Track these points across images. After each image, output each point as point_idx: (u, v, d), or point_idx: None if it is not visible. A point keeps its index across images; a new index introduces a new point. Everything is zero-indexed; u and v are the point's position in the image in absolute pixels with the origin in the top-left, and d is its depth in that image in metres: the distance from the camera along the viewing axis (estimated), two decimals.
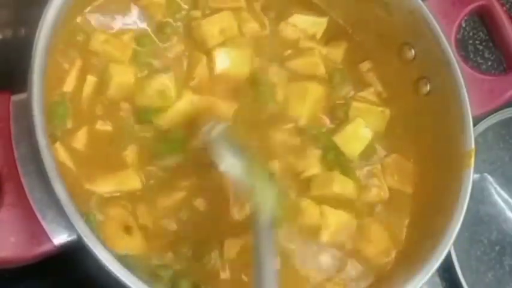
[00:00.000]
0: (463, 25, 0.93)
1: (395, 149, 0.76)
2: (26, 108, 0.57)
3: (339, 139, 0.73)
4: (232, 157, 0.64)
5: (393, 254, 0.72)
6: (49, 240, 0.56)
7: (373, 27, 0.78)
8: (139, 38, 0.71)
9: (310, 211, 0.69)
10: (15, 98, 0.60)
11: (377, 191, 0.74)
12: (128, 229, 0.63)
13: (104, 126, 0.67)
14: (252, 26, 0.75)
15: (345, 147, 0.73)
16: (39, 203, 0.56)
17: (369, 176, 0.74)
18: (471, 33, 0.95)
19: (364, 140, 0.74)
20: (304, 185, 0.71)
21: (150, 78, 0.69)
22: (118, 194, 0.65)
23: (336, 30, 0.79)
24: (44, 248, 0.56)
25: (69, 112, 0.66)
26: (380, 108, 0.76)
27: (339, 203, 0.71)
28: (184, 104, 0.69)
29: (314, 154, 0.72)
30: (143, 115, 0.68)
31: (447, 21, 0.75)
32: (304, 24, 0.78)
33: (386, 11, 0.76)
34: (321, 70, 0.76)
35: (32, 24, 0.60)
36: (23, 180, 0.57)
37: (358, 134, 0.74)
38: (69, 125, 0.65)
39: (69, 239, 0.56)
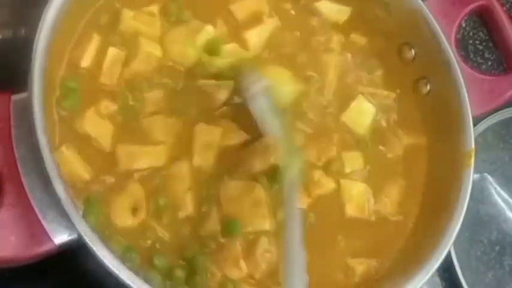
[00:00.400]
0: (463, 25, 0.93)
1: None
2: (26, 108, 0.57)
3: (345, 117, 0.74)
4: (272, 115, 0.65)
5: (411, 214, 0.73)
6: (49, 239, 0.56)
7: (373, 27, 0.78)
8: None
9: (324, 181, 0.70)
10: (15, 98, 0.60)
11: (391, 151, 0.75)
12: (134, 210, 0.64)
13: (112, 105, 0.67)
14: (284, 7, 0.76)
15: (353, 124, 0.74)
16: (40, 203, 0.56)
17: (379, 139, 0.75)
18: (471, 33, 0.95)
19: (369, 113, 0.74)
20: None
21: (196, 32, 0.70)
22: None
23: (359, 20, 0.79)
24: (45, 248, 0.56)
25: (82, 88, 0.66)
26: (386, 92, 0.77)
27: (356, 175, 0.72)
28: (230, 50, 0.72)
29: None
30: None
31: (447, 21, 0.75)
32: (329, 11, 0.77)
33: (386, 11, 0.76)
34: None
35: (32, 24, 0.60)
36: (23, 180, 0.57)
37: (362, 109, 0.74)
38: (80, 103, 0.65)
39: (69, 238, 0.56)
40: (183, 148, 0.67)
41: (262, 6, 0.75)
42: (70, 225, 0.55)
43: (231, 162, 0.67)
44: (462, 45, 0.92)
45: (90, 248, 0.55)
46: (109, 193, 0.63)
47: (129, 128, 0.66)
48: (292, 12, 0.77)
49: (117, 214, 0.63)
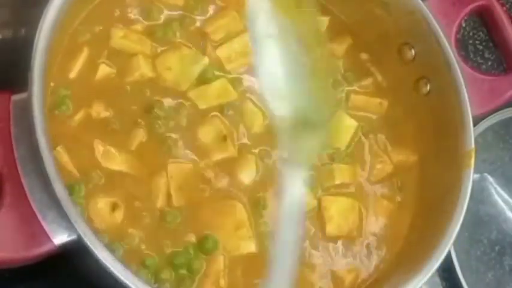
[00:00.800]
0: (463, 25, 0.93)
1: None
2: (26, 108, 0.57)
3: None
4: None
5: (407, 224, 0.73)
6: (49, 240, 0.56)
7: (373, 27, 0.78)
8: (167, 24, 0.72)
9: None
10: (15, 98, 0.59)
11: (381, 166, 0.74)
12: (114, 207, 0.64)
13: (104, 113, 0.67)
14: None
15: (333, 142, 0.73)
16: (40, 203, 0.56)
17: (369, 155, 0.75)
18: (471, 33, 0.95)
19: (349, 129, 0.74)
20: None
21: (192, 62, 0.70)
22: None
23: (339, 28, 0.79)
24: (45, 248, 0.56)
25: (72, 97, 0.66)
26: (378, 100, 0.77)
27: (339, 190, 0.72)
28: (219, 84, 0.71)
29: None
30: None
31: (447, 21, 0.75)
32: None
33: (386, 11, 0.76)
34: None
35: (32, 24, 0.60)
36: (23, 180, 0.57)
37: (342, 125, 0.74)
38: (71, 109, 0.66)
39: (69, 238, 0.56)
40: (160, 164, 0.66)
41: (236, 25, 0.74)
42: (70, 225, 0.55)
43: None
44: (462, 45, 0.92)
45: (89, 249, 0.55)
46: (93, 189, 0.63)
47: (114, 131, 0.66)
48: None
49: (95, 211, 0.63)
